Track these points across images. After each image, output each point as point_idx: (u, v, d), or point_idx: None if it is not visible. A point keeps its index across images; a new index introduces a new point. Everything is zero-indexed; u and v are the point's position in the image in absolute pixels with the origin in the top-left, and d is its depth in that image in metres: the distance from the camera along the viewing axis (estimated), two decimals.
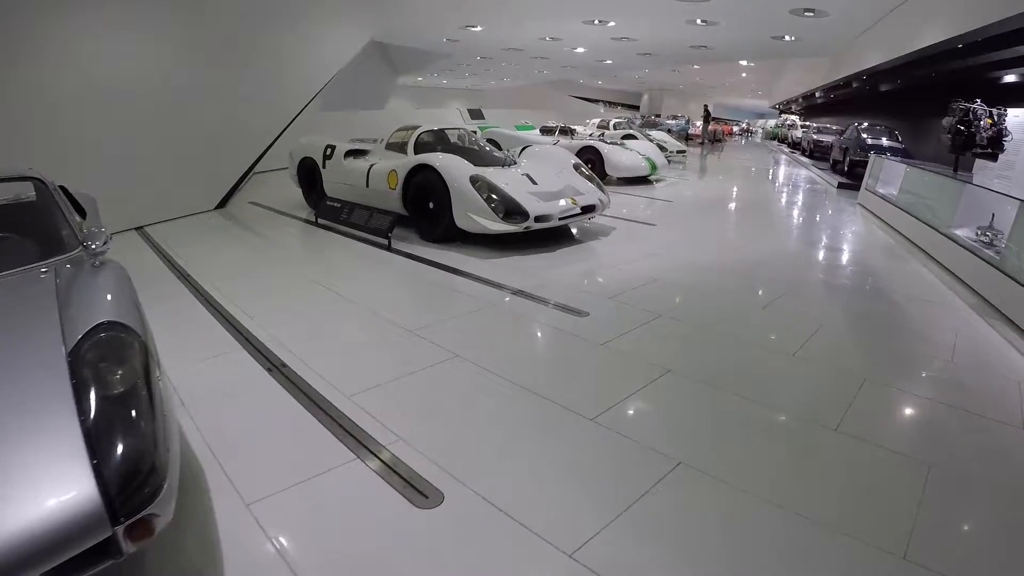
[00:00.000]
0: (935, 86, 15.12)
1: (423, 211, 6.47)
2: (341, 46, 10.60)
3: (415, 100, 32.05)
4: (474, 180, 5.97)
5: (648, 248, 6.52)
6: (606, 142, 12.38)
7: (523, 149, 7.66)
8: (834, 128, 21.45)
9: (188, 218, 8.33)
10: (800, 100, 30.14)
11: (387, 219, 6.35)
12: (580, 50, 19.80)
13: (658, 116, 28.20)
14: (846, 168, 14.68)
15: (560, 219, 6.23)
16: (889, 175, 10.16)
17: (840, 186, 12.91)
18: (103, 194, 4.85)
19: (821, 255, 6.93)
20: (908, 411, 3.27)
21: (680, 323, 4.31)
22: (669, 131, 22.43)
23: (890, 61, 13.30)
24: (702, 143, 24.73)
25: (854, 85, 19.24)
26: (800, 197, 12.21)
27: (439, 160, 6.25)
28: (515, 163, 7.14)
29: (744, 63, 26.85)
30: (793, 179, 15.54)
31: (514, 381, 3.33)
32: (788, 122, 33.76)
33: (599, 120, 17.14)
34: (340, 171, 7.77)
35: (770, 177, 16.54)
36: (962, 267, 5.85)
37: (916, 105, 17.36)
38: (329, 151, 8.03)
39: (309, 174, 8.50)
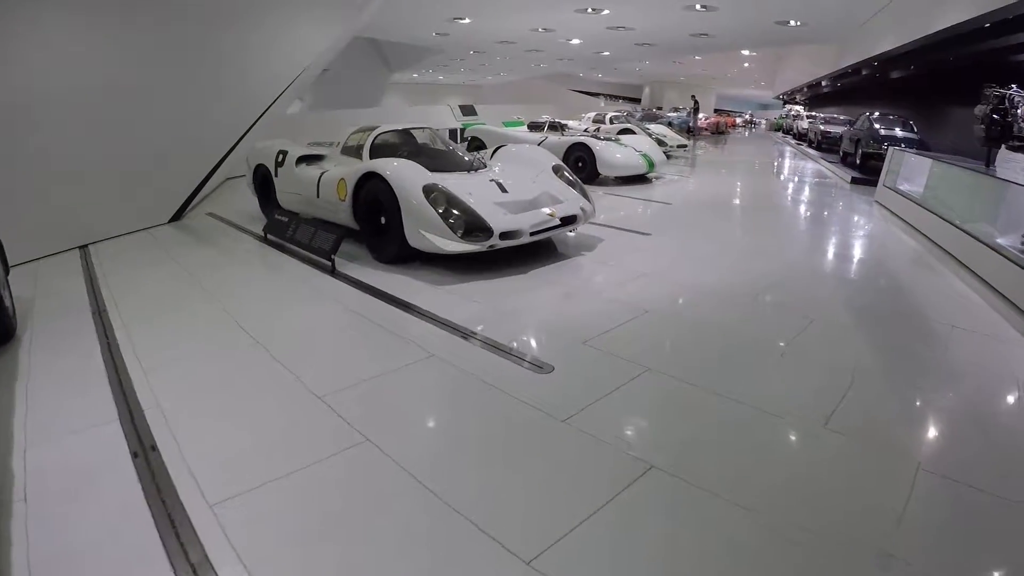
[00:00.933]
0: (952, 71, 13.93)
1: (375, 226, 5.44)
2: (310, 41, 9.55)
3: (410, 97, 31.01)
4: (428, 190, 4.92)
5: (640, 265, 5.44)
6: (599, 138, 11.28)
7: (496, 150, 6.61)
8: (842, 118, 20.24)
9: (138, 234, 7.36)
10: (805, 89, 28.88)
11: (331, 238, 5.31)
12: (575, 41, 18.70)
13: (659, 109, 26.82)
14: (858, 161, 13.53)
15: (532, 234, 5.16)
16: (911, 170, 9.04)
17: (854, 181, 11.79)
18: (41, 211, 3.90)
19: (841, 269, 5.84)
20: (978, 517, 2.22)
21: (672, 381, 3.22)
22: (670, 124, 21.24)
23: (905, 45, 12.13)
24: (690, 134, 23.38)
25: (863, 72, 18.04)
26: (811, 195, 11.09)
27: (389, 167, 5.19)
28: (485, 167, 6.10)
29: (747, 52, 25.67)
30: (802, 174, 14.39)
31: (431, 487, 2.31)
32: (793, 112, 32.50)
33: (594, 114, 15.96)
34: (292, 179, 6.74)
35: (777, 172, 15.38)
36: (1007, 282, 4.78)
37: (930, 92, 16.14)
38: (281, 157, 7.00)
39: (264, 182, 7.48)
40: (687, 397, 3.08)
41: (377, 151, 6.06)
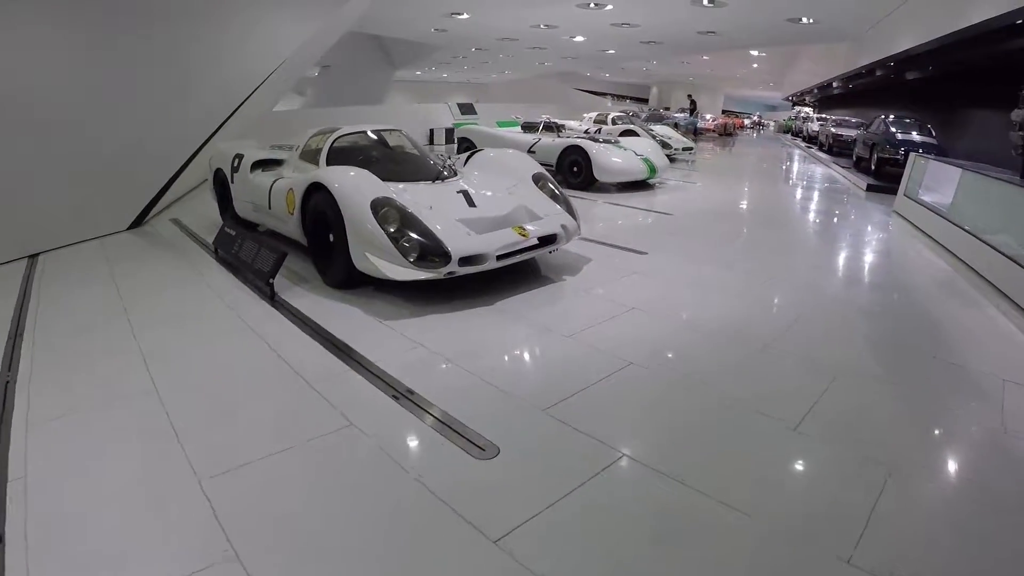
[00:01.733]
0: (974, 72, 12.97)
1: (323, 245, 4.62)
2: (286, 34, 8.75)
3: (415, 95, 30.17)
4: (378, 206, 4.08)
5: (630, 295, 4.57)
6: (598, 140, 10.38)
7: (471, 155, 5.76)
8: (854, 121, 19.25)
9: (92, 243, 6.60)
10: (815, 91, 27.80)
11: (272, 258, 4.50)
12: (579, 39, 17.81)
13: (667, 109, 25.73)
14: (873, 167, 12.59)
15: (500, 258, 4.30)
16: (936, 180, 8.13)
17: (869, 189, 10.86)
18: None
19: (865, 301, 4.91)
20: None
21: (652, 477, 2.38)
22: (676, 125, 20.27)
23: (927, 43, 11.18)
24: (695, 136, 22.35)
25: (878, 73, 17.01)
26: (824, 204, 10.17)
27: (336, 177, 4.35)
28: (455, 174, 5.26)
29: (755, 52, 24.66)
30: (813, 179, 13.45)
31: None
32: (803, 114, 31.46)
33: (596, 114, 15.02)
34: (246, 187, 5.94)
35: (787, 177, 14.43)
36: None
37: (948, 95, 15.16)
38: (237, 161, 6.20)
39: (223, 189, 6.68)
40: (671, 503, 2.24)
41: (336, 156, 5.23)
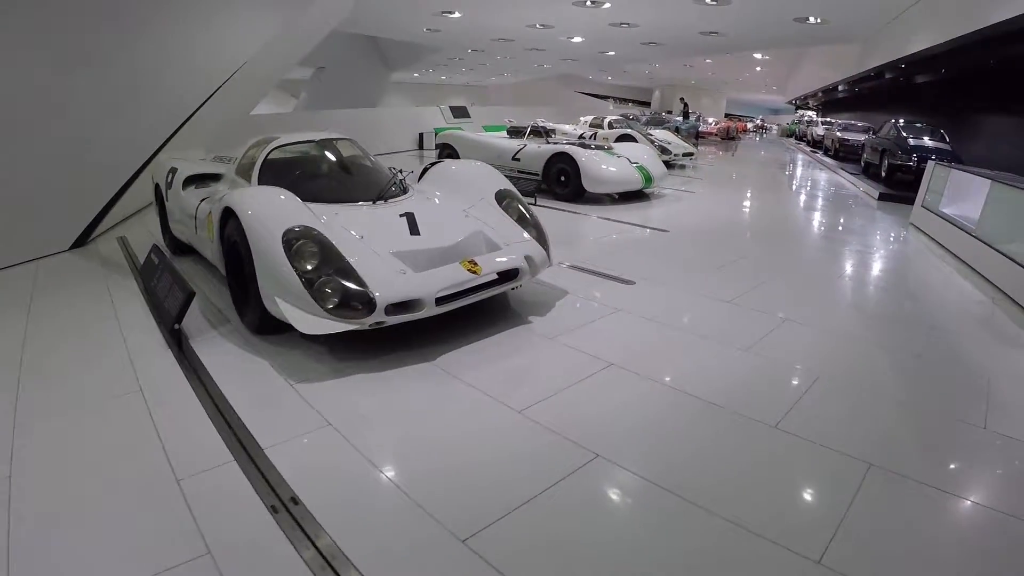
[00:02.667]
0: (987, 75, 12.06)
1: (240, 281, 3.77)
2: (246, 35, 7.92)
3: (413, 98, 29.37)
4: (293, 239, 3.22)
5: (609, 342, 3.68)
6: (590, 146, 9.49)
7: (427, 168, 4.88)
8: (860, 125, 18.32)
9: (27, 265, 5.78)
10: (819, 95, 26.82)
11: (180, 298, 3.65)
12: (577, 39, 16.94)
13: (669, 112, 24.67)
14: (883, 174, 11.69)
15: (442, 300, 3.37)
16: (959, 191, 7.22)
17: (882, 198, 9.96)
18: None
19: (896, 347, 4.01)
20: None
21: None
22: (677, 130, 19.30)
23: (941, 45, 10.27)
24: (696, 140, 21.33)
25: (887, 76, 16.09)
26: (835, 215, 9.27)
27: (245, 202, 3.50)
28: (404, 192, 4.40)
29: (759, 56, 23.71)
30: (821, 187, 12.51)
31: None
32: (807, 118, 30.48)
33: (592, 118, 14.06)
34: (177, 206, 5.12)
35: (793, 185, 13.45)
36: None
37: (957, 98, 14.25)
38: (170, 176, 5.37)
39: (161, 207, 5.87)
40: None
41: (268, 171, 4.37)
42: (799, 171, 15.85)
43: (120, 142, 6.87)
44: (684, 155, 13.42)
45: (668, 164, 12.85)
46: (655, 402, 3.03)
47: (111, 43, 6.18)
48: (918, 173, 9.38)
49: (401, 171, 4.52)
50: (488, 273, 3.58)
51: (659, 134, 13.83)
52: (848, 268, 6.13)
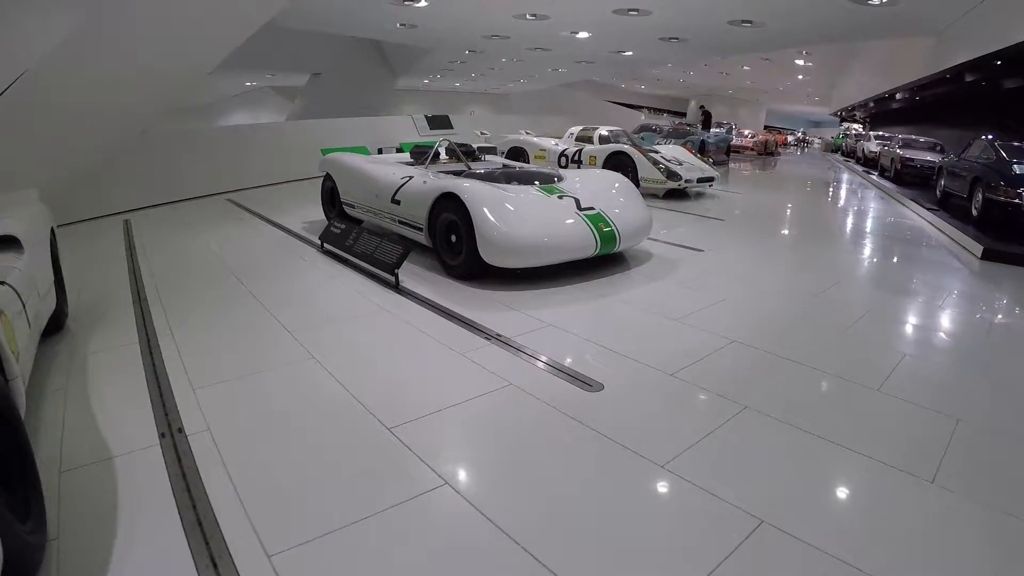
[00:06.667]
0: None
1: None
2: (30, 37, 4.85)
3: (429, 105, 26.24)
4: None
5: None
6: (558, 172, 5.76)
7: None
8: (923, 141, 14.28)
9: None
10: (870, 104, 22.53)
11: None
12: (583, 35, 13.48)
13: (691, 125, 20.27)
14: (975, 211, 7.94)
15: None
16: None
17: (987, 256, 6.21)
18: None
19: None
20: None
21: None
22: (703, 144, 15.42)
23: None
24: (726, 155, 17.37)
25: (967, 79, 12.13)
26: (920, 295, 5.32)
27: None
28: None
29: (800, 62, 19.72)
30: (886, 231, 8.15)
31: None
32: (853, 131, 26.19)
33: (580, 129, 10.29)
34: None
35: (846, 224, 9.03)
36: None
37: None
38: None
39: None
40: None
41: None
42: (855, 202, 11.49)
43: None
44: (699, 181, 9.45)
45: (681, 192, 9.25)
46: None
47: None
48: None
49: None
50: None
51: (667, 150, 9.92)
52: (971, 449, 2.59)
